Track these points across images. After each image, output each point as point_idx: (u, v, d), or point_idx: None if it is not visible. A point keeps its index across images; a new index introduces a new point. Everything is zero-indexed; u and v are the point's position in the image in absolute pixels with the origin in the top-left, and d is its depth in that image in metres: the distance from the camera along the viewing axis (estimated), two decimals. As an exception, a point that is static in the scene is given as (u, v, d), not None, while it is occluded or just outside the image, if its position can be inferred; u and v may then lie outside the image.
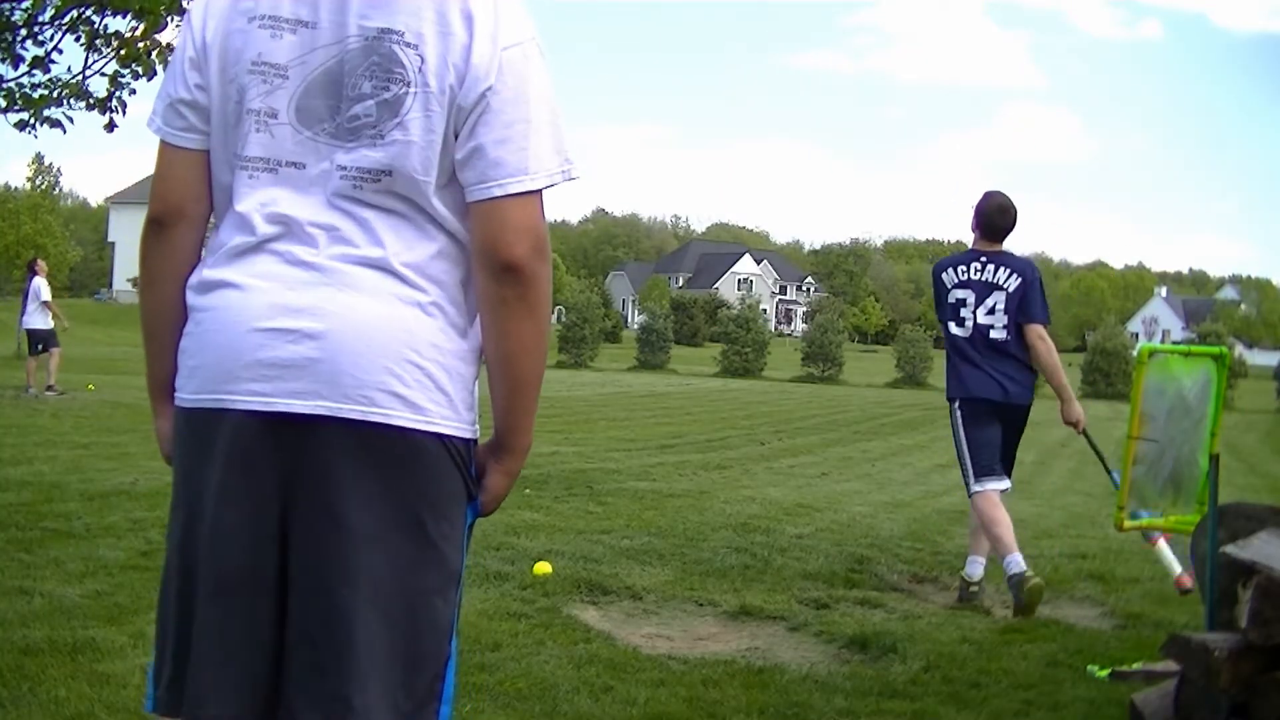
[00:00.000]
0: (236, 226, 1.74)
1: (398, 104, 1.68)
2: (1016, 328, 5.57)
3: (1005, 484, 5.65)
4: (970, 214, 5.77)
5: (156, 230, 1.82)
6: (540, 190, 1.72)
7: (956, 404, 5.82)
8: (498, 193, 1.68)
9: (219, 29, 1.76)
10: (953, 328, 5.75)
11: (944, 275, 5.79)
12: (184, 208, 1.81)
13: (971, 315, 5.65)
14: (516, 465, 1.83)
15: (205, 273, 1.77)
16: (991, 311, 5.61)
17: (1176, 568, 5.34)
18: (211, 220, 1.85)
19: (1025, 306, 5.57)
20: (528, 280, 1.70)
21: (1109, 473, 5.77)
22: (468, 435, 1.76)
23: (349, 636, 1.65)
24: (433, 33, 1.68)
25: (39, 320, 16.68)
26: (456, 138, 1.70)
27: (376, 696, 1.66)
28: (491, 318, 1.73)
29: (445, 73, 1.68)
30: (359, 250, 1.70)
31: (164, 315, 1.82)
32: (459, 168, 1.71)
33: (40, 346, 16.40)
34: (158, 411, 1.89)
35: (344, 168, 1.70)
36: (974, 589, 5.58)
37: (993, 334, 5.61)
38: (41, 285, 16.99)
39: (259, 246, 1.72)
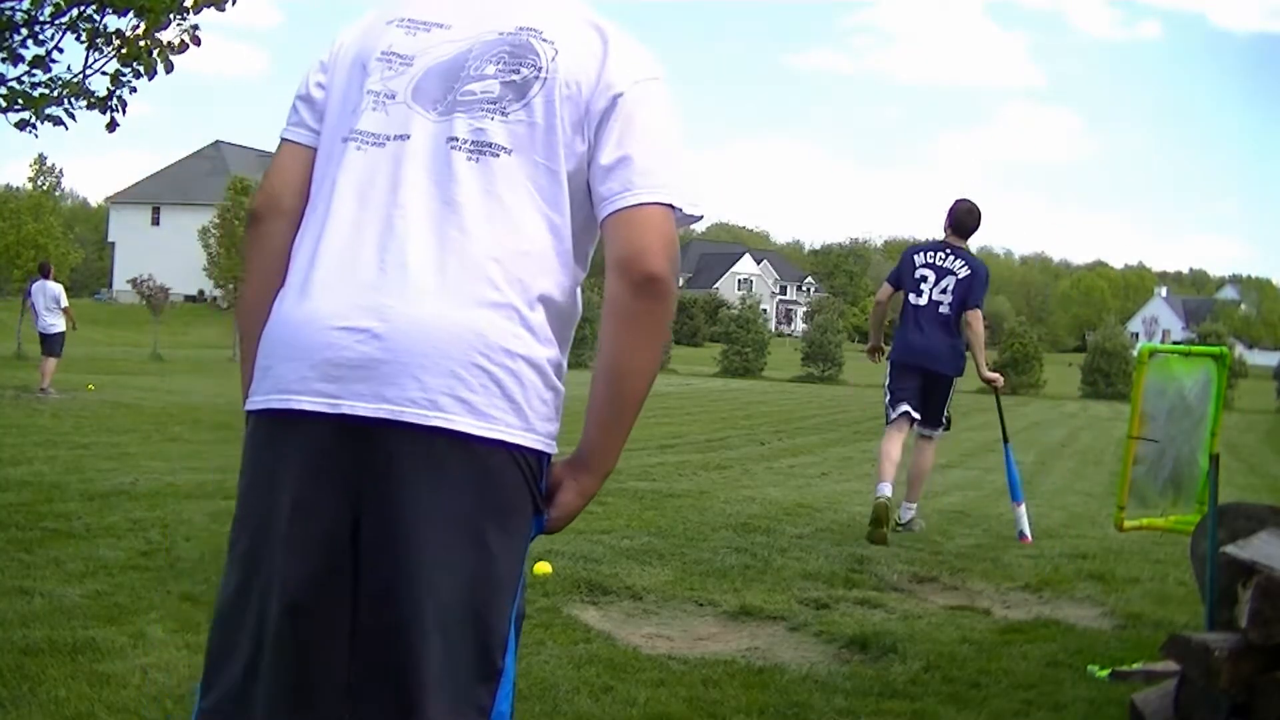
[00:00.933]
0: (328, 207, 1.71)
1: (525, 86, 1.69)
2: (960, 306, 7.08)
3: (905, 408, 7.12)
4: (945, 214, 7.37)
5: (254, 225, 1.83)
6: (678, 210, 1.70)
7: (890, 364, 7.34)
8: (647, 199, 1.66)
9: (357, 34, 1.81)
10: (912, 298, 7.14)
11: (915, 256, 7.27)
12: (280, 200, 1.81)
13: (929, 291, 7.09)
14: (594, 486, 1.77)
15: (288, 275, 1.75)
16: (944, 291, 7.07)
17: (1024, 526, 7.22)
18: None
19: (969, 293, 7.06)
20: (665, 294, 1.66)
21: (1005, 443, 7.86)
22: (538, 448, 1.69)
23: (412, 648, 1.60)
24: (571, 38, 1.72)
25: (60, 323, 16.70)
26: (587, 145, 1.69)
27: (441, 709, 1.62)
28: (615, 331, 1.68)
29: (577, 71, 1.69)
30: (448, 243, 1.65)
31: (254, 314, 1.79)
32: (601, 177, 1.68)
33: (59, 349, 16.43)
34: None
35: (456, 139, 1.68)
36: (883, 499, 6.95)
37: (941, 309, 7.07)
38: (60, 290, 17.07)
39: (345, 234, 1.68)
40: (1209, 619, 3.44)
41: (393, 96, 1.72)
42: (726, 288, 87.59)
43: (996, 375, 7.61)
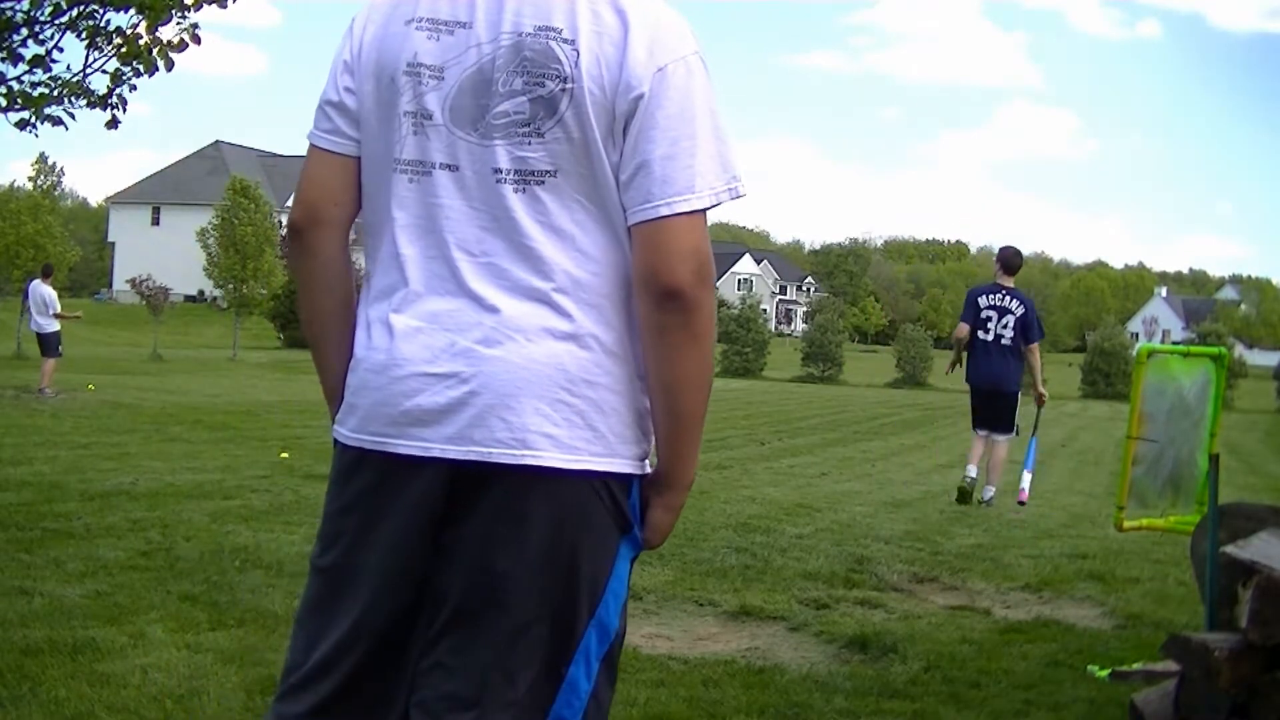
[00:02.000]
0: (394, 243, 1.70)
1: (554, 101, 1.63)
2: (1020, 338, 9.09)
3: (984, 433, 9.27)
4: (992, 253, 9.60)
5: (295, 238, 1.80)
6: (705, 210, 1.65)
7: (970, 387, 9.37)
8: (665, 212, 1.62)
9: (376, 34, 1.74)
10: (980, 334, 9.13)
11: (979, 299, 9.24)
12: (319, 210, 1.78)
13: (994, 328, 9.09)
14: (679, 500, 1.78)
15: (363, 307, 1.75)
16: (1006, 327, 9.08)
17: (1025, 485, 9.00)
18: (358, 227, 1.82)
19: (1026, 330, 9.09)
20: (691, 307, 1.63)
21: (1032, 438, 9.23)
22: (627, 470, 1.70)
23: (489, 678, 1.64)
24: (589, 31, 1.64)
25: (53, 324, 16.77)
26: (615, 145, 1.65)
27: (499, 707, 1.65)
28: (653, 346, 1.67)
29: (600, 73, 1.63)
30: (514, 278, 1.65)
31: (320, 325, 1.82)
32: (623, 186, 1.65)
33: (58, 349, 16.46)
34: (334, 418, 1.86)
35: (500, 170, 1.65)
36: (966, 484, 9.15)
37: (1003, 341, 9.09)
38: (53, 296, 17.11)
39: (417, 278, 1.68)
40: (1209, 619, 3.44)
41: (430, 117, 1.68)
42: (726, 288, 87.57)
43: (1045, 393, 9.50)
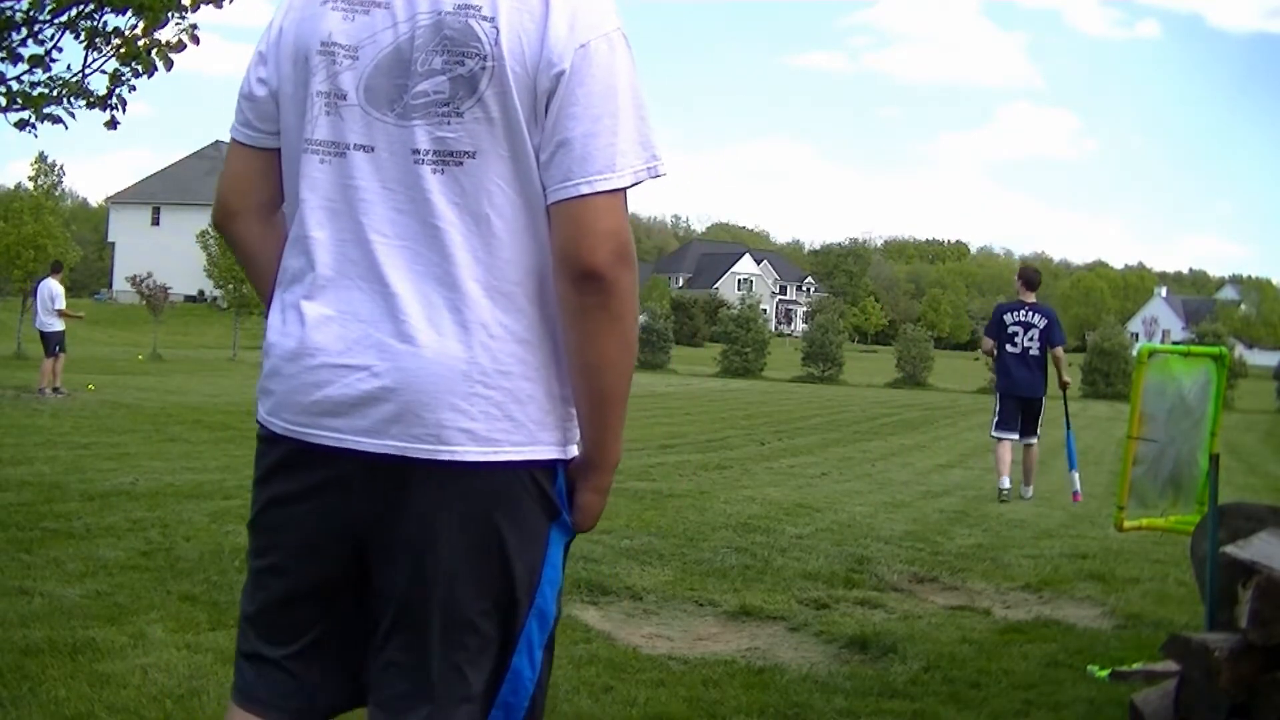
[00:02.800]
0: (302, 225, 1.70)
1: (475, 80, 1.61)
2: (1044, 347, 9.91)
3: (1014, 436, 9.93)
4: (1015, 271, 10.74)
5: (219, 231, 1.84)
6: (625, 189, 1.63)
7: (999, 394, 10.20)
8: (584, 190, 1.59)
9: (295, 17, 1.73)
10: (1008, 347, 9.93)
11: (1005, 316, 10.04)
12: (229, 203, 1.80)
13: (1021, 341, 9.88)
14: (606, 481, 1.76)
15: (280, 292, 1.75)
16: (1031, 339, 9.89)
17: (1077, 487, 9.60)
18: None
19: (1051, 336, 9.96)
20: (609, 288, 1.60)
21: (1069, 435, 10.04)
22: (550, 456, 1.69)
23: (427, 646, 1.67)
24: (509, 8, 1.62)
25: (56, 323, 16.75)
26: (538, 124, 1.63)
27: (443, 695, 1.68)
28: (572, 327, 1.64)
29: (521, 50, 1.60)
30: (427, 263, 1.63)
31: (268, 287, 1.83)
32: (543, 164, 1.62)
33: (58, 348, 16.46)
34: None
35: (419, 151, 1.63)
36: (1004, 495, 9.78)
37: (1031, 352, 9.90)
38: (59, 292, 17.08)
39: (328, 263, 1.68)
40: (1209, 619, 3.44)
41: (344, 97, 1.66)
42: (726, 288, 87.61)
43: (1068, 379, 10.29)
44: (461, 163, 1.62)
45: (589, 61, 1.61)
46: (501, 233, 1.64)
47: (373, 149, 1.65)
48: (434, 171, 1.63)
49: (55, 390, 15.93)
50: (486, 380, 1.63)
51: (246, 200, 1.80)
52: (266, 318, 1.82)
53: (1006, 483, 9.79)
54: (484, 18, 1.61)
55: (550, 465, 1.70)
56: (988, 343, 10.29)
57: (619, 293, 1.62)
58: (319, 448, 1.66)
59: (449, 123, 1.62)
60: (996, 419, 10.03)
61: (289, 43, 1.72)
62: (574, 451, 1.74)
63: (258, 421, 1.76)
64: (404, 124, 1.64)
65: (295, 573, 1.73)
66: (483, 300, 1.63)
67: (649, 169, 1.65)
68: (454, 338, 1.62)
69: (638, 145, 1.64)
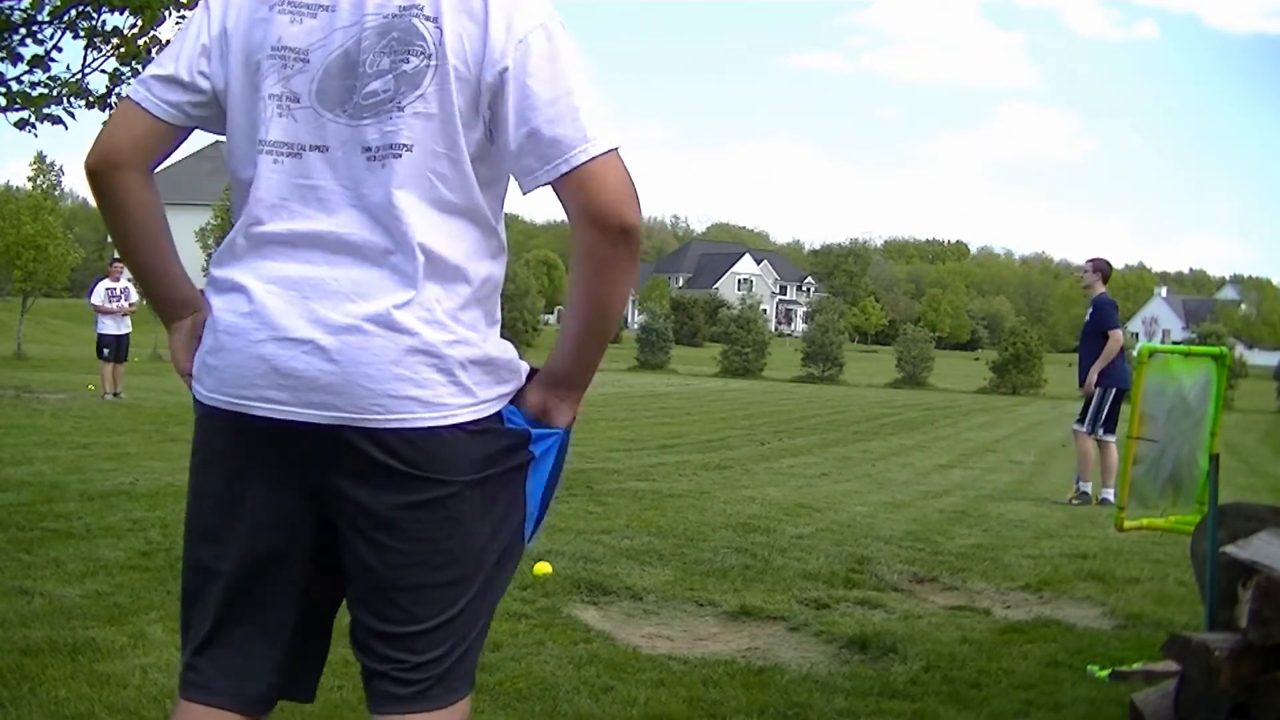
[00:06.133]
0: (253, 217, 1.74)
1: (418, 76, 1.68)
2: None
3: (1102, 435, 9.93)
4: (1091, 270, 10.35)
5: (96, 180, 1.81)
6: (616, 149, 1.71)
7: (1115, 390, 9.83)
8: (584, 157, 1.67)
9: (240, 17, 1.76)
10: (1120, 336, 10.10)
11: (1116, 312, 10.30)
12: (119, 155, 1.79)
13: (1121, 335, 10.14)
14: (580, 396, 1.88)
15: (221, 271, 1.78)
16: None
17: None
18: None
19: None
20: (635, 236, 1.71)
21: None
22: (490, 411, 1.77)
23: (401, 604, 1.76)
24: (451, 8, 1.69)
25: (104, 322, 16.22)
26: (485, 123, 1.71)
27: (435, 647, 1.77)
28: (597, 275, 1.73)
29: (463, 49, 1.68)
30: (372, 250, 1.70)
31: (146, 267, 1.85)
32: (515, 156, 1.71)
33: (105, 351, 15.93)
34: (169, 329, 1.89)
35: (370, 148, 1.70)
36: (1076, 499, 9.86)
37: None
38: (100, 288, 16.46)
39: (273, 244, 1.73)
40: (1209, 619, 3.44)
41: (297, 100, 1.72)
42: (727, 288, 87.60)
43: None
44: (400, 155, 1.69)
45: (530, 53, 1.69)
46: (436, 221, 1.71)
47: (327, 148, 1.72)
48: (381, 166, 1.70)
49: (115, 395, 15.53)
50: (430, 350, 1.70)
51: (137, 158, 1.80)
52: (139, 269, 1.86)
53: (1088, 485, 9.93)
54: (427, 17, 1.69)
55: (494, 417, 1.79)
56: (1119, 335, 10.10)
57: (638, 239, 1.73)
58: (264, 420, 1.71)
59: (391, 117, 1.69)
60: (1106, 417, 9.84)
61: (238, 47, 1.76)
62: (521, 382, 1.83)
63: (196, 400, 1.80)
64: (355, 123, 1.71)
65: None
66: (424, 279, 1.70)
67: (612, 128, 1.74)
68: (395, 314, 1.69)
69: (601, 117, 1.72)
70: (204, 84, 1.78)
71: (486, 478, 1.76)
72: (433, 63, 1.68)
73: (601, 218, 1.69)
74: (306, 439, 1.70)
